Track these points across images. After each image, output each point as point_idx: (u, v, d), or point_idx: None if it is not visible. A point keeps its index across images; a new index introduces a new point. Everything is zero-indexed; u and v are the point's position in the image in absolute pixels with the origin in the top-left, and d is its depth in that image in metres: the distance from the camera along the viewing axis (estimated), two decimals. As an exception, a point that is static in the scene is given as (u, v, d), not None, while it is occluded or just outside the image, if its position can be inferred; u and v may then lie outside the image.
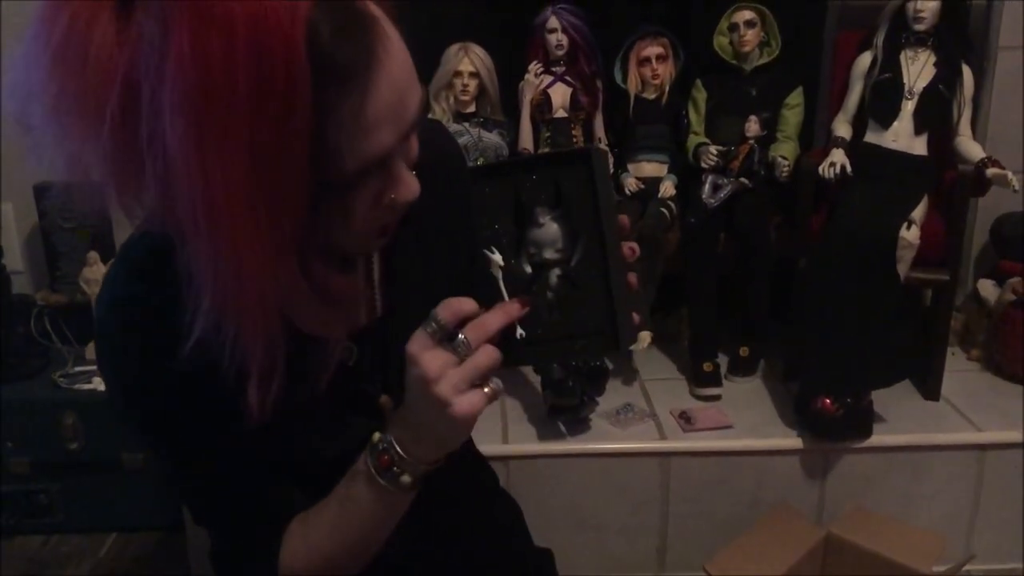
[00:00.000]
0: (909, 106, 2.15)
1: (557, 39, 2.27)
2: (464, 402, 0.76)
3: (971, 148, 2.14)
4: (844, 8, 2.43)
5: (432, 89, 2.26)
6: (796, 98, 2.28)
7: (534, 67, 2.30)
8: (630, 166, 2.33)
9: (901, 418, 2.11)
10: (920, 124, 2.15)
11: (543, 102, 2.29)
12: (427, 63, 2.26)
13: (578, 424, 2.10)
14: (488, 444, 2.01)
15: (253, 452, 0.85)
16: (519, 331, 0.81)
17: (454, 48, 2.27)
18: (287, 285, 0.69)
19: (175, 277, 0.67)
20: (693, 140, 2.29)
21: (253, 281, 0.65)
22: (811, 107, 2.35)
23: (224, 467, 0.86)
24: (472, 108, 2.29)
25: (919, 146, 2.15)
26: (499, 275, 0.82)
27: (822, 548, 1.87)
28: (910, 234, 2.01)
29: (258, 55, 0.59)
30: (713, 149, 2.23)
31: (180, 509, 2.06)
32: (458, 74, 2.25)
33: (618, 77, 2.34)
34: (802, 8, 2.44)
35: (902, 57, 2.17)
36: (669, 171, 2.31)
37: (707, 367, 2.23)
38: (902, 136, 2.16)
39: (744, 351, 2.30)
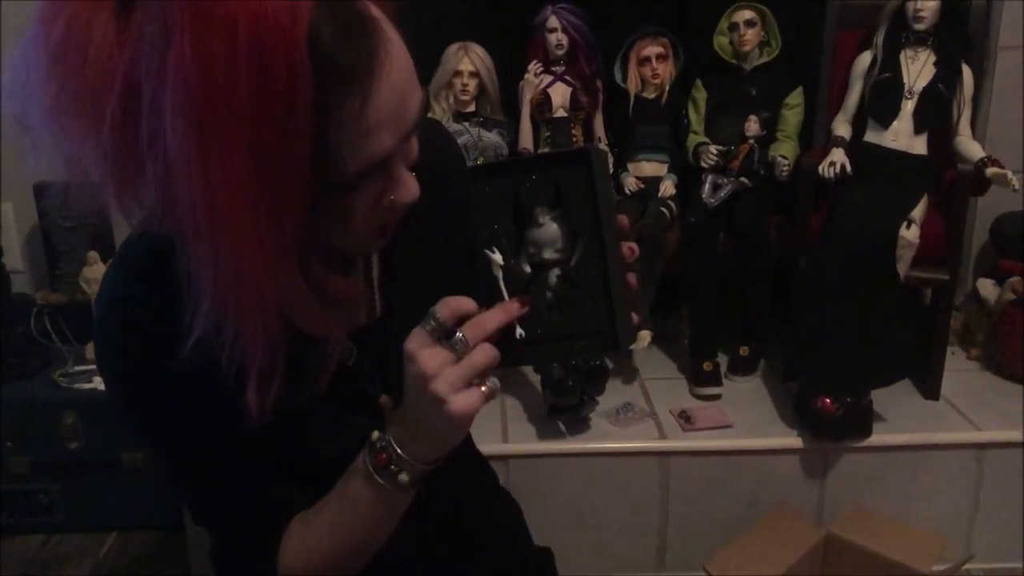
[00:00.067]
0: (909, 106, 2.15)
1: (557, 38, 2.27)
2: (461, 400, 0.76)
3: (971, 147, 2.14)
4: (844, 8, 2.43)
5: (432, 89, 2.26)
6: (796, 98, 2.28)
7: (534, 66, 2.30)
8: (630, 165, 2.33)
9: (901, 417, 2.11)
10: (920, 123, 2.15)
11: (543, 101, 2.29)
12: (427, 63, 2.26)
13: (578, 423, 2.10)
14: (488, 443, 2.01)
15: (253, 452, 0.85)
16: (518, 331, 0.81)
17: (454, 48, 2.27)
18: (287, 285, 0.69)
19: (174, 277, 0.67)
20: (693, 140, 2.29)
21: (253, 282, 0.65)
22: (811, 107, 2.35)
23: (224, 467, 0.86)
24: (472, 108, 2.29)
25: (919, 145, 2.15)
26: (499, 275, 0.82)
27: (822, 548, 1.87)
28: (910, 233, 2.01)
29: (259, 56, 0.59)
30: (713, 149, 2.23)
31: (180, 508, 2.06)
32: (458, 73, 2.25)
33: (618, 76, 2.34)
34: (802, 8, 2.44)
35: (902, 57, 2.17)
36: (669, 171, 2.31)
37: (707, 366, 2.23)
38: (902, 135, 2.16)
39: (744, 350, 2.31)
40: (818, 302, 2.03)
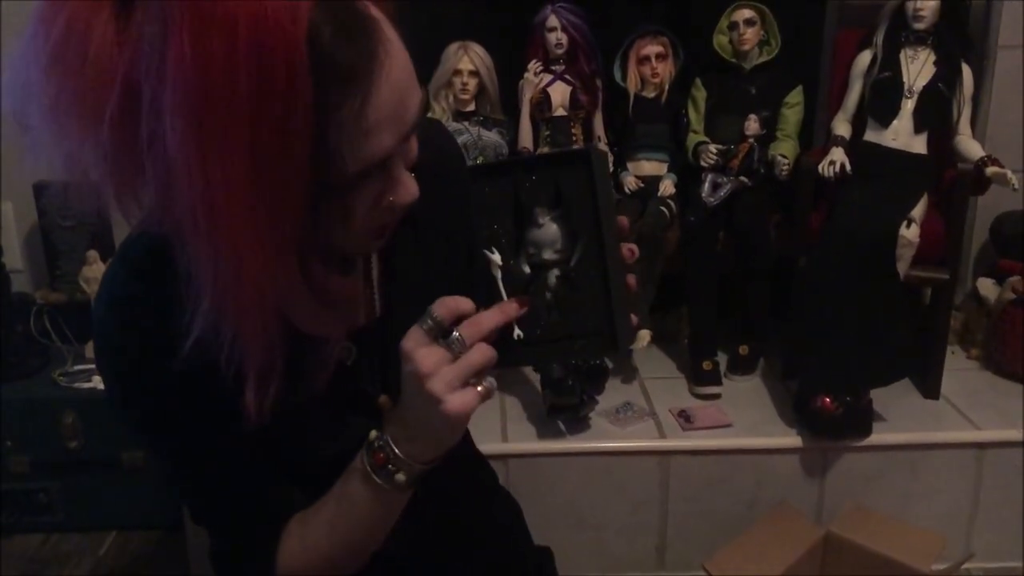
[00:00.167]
0: (909, 105, 2.15)
1: (557, 38, 2.27)
2: (456, 399, 0.76)
3: (970, 147, 2.14)
4: (844, 7, 2.43)
5: (432, 88, 2.26)
6: (796, 97, 2.28)
7: (534, 65, 2.30)
8: (630, 165, 2.33)
9: (900, 417, 2.11)
10: (920, 123, 2.15)
11: (543, 100, 2.29)
12: (427, 62, 2.26)
13: (577, 423, 2.10)
14: (487, 443, 2.01)
15: (252, 452, 0.85)
16: (516, 331, 0.81)
17: (453, 47, 2.27)
18: (286, 286, 0.69)
19: (174, 277, 0.67)
20: (693, 139, 2.29)
21: (252, 282, 0.65)
22: (811, 106, 2.35)
23: (223, 467, 0.86)
24: (472, 107, 2.29)
25: (919, 145, 2.15)
26: (498, 275, 0.82)
27: (821, 547, 1.87)
28: (910, 233, 2.01)
29: (259, 56, 0.59)
30: (713, 148, 2.23)
31: (180, 508, 2.06)
32: (458, 73, 2.25)
33: (618, 76, 2.34)
34: (802, 7, 2.44)
35: (902, 56, 2.17)
36: (669, 170, 2.31)
37: (707, 366, 2.23)
38: (902, 135, 2.16)
39: (744, 350, 2.31)
40: (818, 301, 2.03)
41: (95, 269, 2.27)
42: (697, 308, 2.27)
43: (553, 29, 2.26)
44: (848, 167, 2.12)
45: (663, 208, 2.21)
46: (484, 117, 2.29)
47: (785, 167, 2.18)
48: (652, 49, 2.30)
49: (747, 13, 2.23)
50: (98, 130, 0.63)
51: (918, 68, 2.16)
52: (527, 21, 2.32)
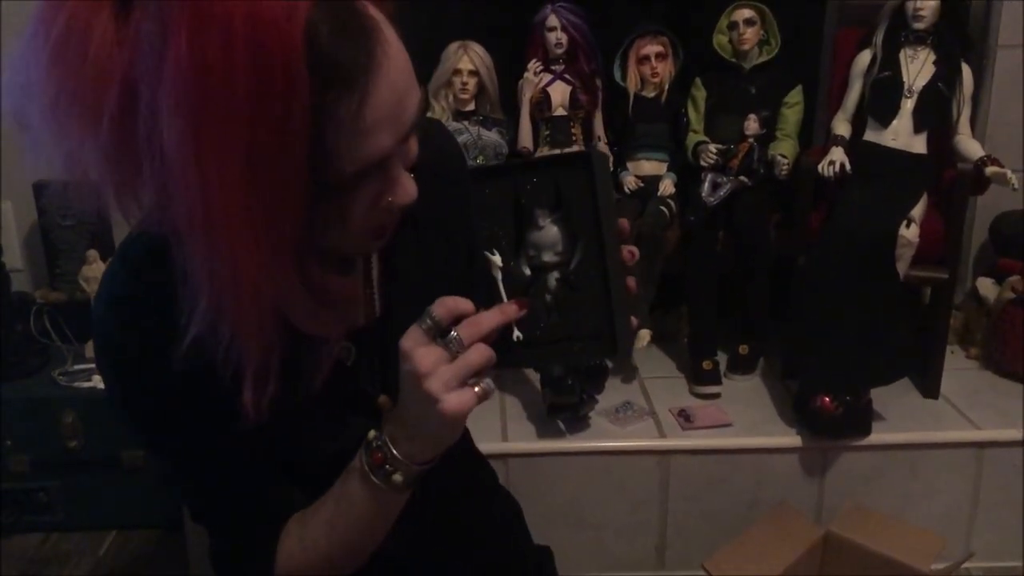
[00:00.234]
0: (908, 104, 2.15)
1: (556, 37, 2.27)
2: (454, 399, 0.76)
3: (970, 146, 2.14)
4: (843, 6, 2.43)
5: (431, 87, 2.26)
6: (795, 96, 2.28)
7: (533, 65, 2.30)
8: (629, 164, 2.33)
9: (900, 416, 2.11)
10: (919, 122, 2.15)
11: (542, 100, 2.29)
12: (426, 61, 2.26)
13: (577, 422, 2.10)
14: (487, 442, 2.00)
15: (252, 451, 0.85)
16: (516, 333, 0.81)
17: (453, 46, 2.27)
18: (283, 286, 0.69)
19: (173, 277, 0.67)
20: (692, 138, 2.29)
21: (250, 282, 0.65)
22: (810, 105, 2.35)
23: (223, 466, 0.86)
24: (471, 106, 2.29)
25: (918, 144, 2.15)
26: (499, 276, 0.82)
27: (821, 547, 1.87)
28: (909, 232, 2.01)
29: (257, 56, 0.59)
30: (712, 147, 2.23)
31: (179, 507, 2.06)
32: (457, 72, 2.25)
33: (617, 75, 2.34)
34: (801, 6, 2.44)
35: (901, 55, 2.17)
36: (668, 169, 2.31)
37: (706, 365, 2.23)
38: (901, 134, 2.16)
39: (743, 349, 2.31)
40: (817, 301, 2.03)
41: (95, 268, 2.27)
42: (697, 307, 2.28)
43: (553, 28, 2.26)
44: (848, 167, 2.12)
45: (663, 208, 2.21)
46: (484, 117, 2.30)
47: (785, 167, 2.18)
48: (652, 49, 2.30)
49: (747, 13, 2.23)
50: (97, 129, 0.63)
51: (918, 68, 2.16)
52: (527, 21, 2.32)
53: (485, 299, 0.81)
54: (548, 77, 2.30)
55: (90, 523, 2.29)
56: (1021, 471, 2.06)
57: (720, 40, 2.27)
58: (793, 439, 2.05)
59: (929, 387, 2.20)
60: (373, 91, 0.66)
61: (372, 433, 0.83)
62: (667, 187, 2.26)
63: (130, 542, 2.26)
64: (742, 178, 2.19)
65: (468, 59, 2.25)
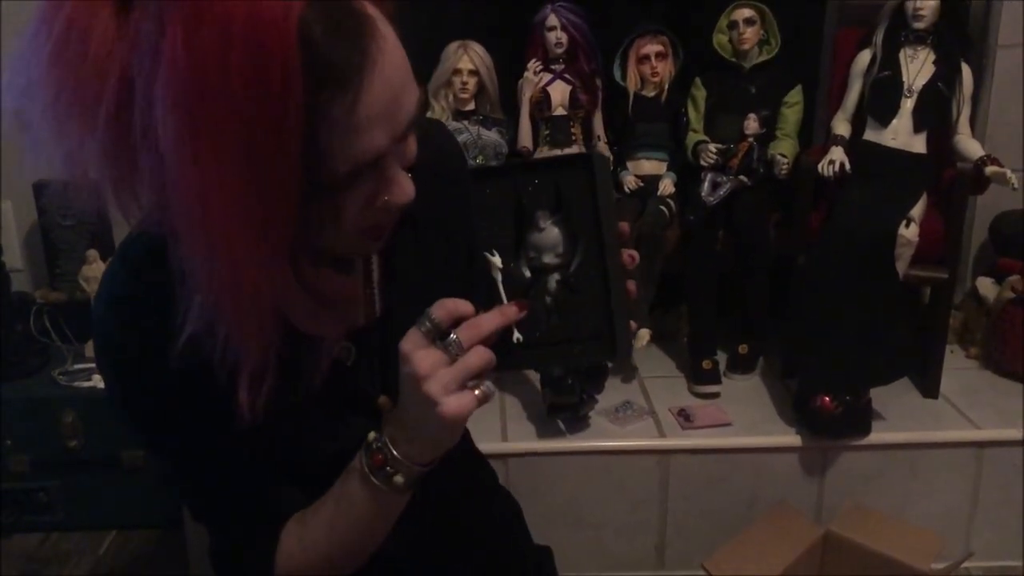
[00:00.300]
0: (908, 104, 2.15)
1: (556, 37, 2.27)
2: (453, 402, 0.75)
3: (970, 146, 2.14)
4: (843, 6, 2.43)
5: (431, 87, 2.26)
6: (795, 96, 2.28)
7: (533, 65, 2.30)
8: (629, 164, 2.33)
9: (900, 416, 2.11)
10: (919, 122, 2.15)
11: (542, 100, 2.29)
12: (426, 61, 2.26)
13: (577, 422, 2.10)
14: (487, 442, 2.00)
15: (252, 451, 0.85)
16: (516, 335, 0.80)
17: (453, 46, 2.27)
18: (281, 285, 0.69)
19: (173, 276, 0.67)
20: (692, 138, 2.29)
21: (247, 281, 0.65)
22: (810, 105, 2.35)
23: (223, 466, 0.86)
24: (471, 106, 2.29)
25: (918, 144, 2.15)
26: (498, 278, 0.81)
27: (821, 546, 1.87)
28: (909, 232, 2.01)
29: (253, 55, 0.59)
30: (712, 147, 2.23)
31: (179, 507, 2.06)
32: (457, 72, 2.25)
33: (617, 75, 2.34)
34: (801, 6, 2.44)
35: (901, 55, 2.17)
36: (668, 169, 2.31)
37: (706, 365, 2.23)
38: (901, 134, 2.16)
39: (743, 349, 2.31)
40: (817, 300, 2.03)
41: (95, 268, 2.27)
42: (697, 307, 2.28)
43: (553, 28, 2.26)
44: (847, 166, 2.12)
45: (663, 207, 2.21)
46: (484, 116, 2.30)
47: (785, 166, 2.18)
48: (652, 48, 2.30)
49: (747, 12, 2.23)
50: (95, 127, 0.63)
51: (918, 67, 2.16)
52: (527, 20, 2.32)
53: (485, 300, 0.81)
54: (548, 77, 2.30)
55: (90, 523, 2.29)
56: (1021, 471, 2.06)
57: (720, 40, 2.27)
58: (793, 439, 2.06)
59: (929, 387, 2.20)
60: (367, 89, 0.66)
61: (372, 434, 0.83)
62: (667, 186, 2.26)
63: (130, 542, 2.26)
64: (742, 178, 2.19)
65: (468, 59, 2.25)
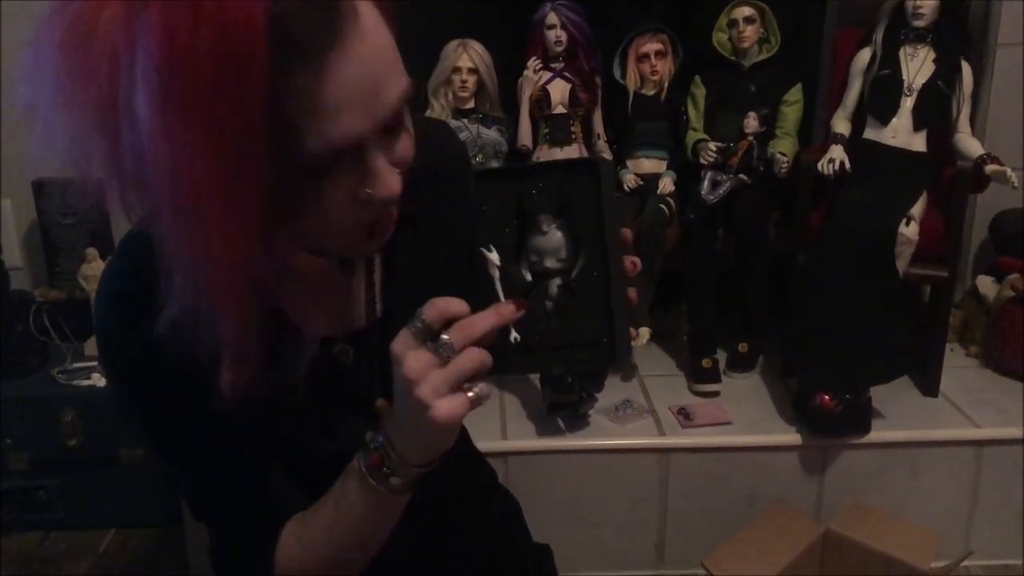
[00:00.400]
0: (908, 102, 2.15)
1: (556, 35, 2.27)
2: (445, 406, 0.73)
3: (970, 145, 2.14)
4: (843, 5, 2.43)
5: (431, 85, 2.26)
6: (795, 94, 2.28)
7: (533, 63, 2.30)
8: (629, 162, 2.33)
9: (900, 414, 2.11)
10: (919, 120, 2.15)
11: (542, 98, 2.29)
12: (426, 59, 2.26)
13: (577, 420, 2.10)
14: (487, 440, 2.00)
15: (253, 451, 0.85)
16: (513, 335, 0.79)
17: (453, 44, 2.27)
18: (256, 261, 0.68)
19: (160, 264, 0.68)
20: (692, 136, 2.29)
21: (219, 253, 0.65)
22: (810, 103, 2.35)
23: (223, 465, 0.86)
24: (471, 104, 2.29)
25: (918, 142, 2.15)
26: (496, 275, 0.80)
27: (820, 544, 1.87)
28: (909, 230, 2.01)
29: (220, 24, 0.60)
30: (712, 145, 2.23)
31: (179, 505, 2.06)
32: (457, 70, 2.25)
33: (617, 73, 2.34)
34: (801, 5, 2.44)
35: (901, 53, 2.17)
36: (668, 167, 2.31)
37: (706, 363, 2.24)
38: (901, 132, 2.16)
39: (743, 347, 2.31)
40: (817, 299, 2.03)
41: (94, 267, 2.27)
42: (696, 306, 2.28)
43: (552, 26, 2.26)
44: (847, 165, 2.12)
45: (662, 206, 2.21)
46: (483, 115, 2.29)
47: (784, 165, 2.18)
48: (651, 47, 2.30)
49: (747, 11, 2.23)
50: (91, 102, 0.63)
51: (917, 66, 2.16)
52: (526, 18, 2.32)
53: (486, 302, 0.81)
54: (548, 75, 2.30)
55: (89, 521, 2.29)
56: (1021, 469, 2.06)
57: (720, 38, 2.27)
58: (793, 437, 2.06)
59: (929, 385, 2.20)
60: (336, 69, 0.65)
61: (369, 435, 0.82)
62: (667, 185, 2.26)
63: (129, 540, 2.26)
64: (742, 176, 2.19)
65: (467, 57, 2.25)
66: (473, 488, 1.12)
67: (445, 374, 0.73)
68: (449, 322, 0.75)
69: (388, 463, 0.80)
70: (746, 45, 2.24)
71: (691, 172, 2.27)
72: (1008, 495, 2.08)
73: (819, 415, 1.98)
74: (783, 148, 2.21)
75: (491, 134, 2.27)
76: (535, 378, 2.19)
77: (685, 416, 2.12)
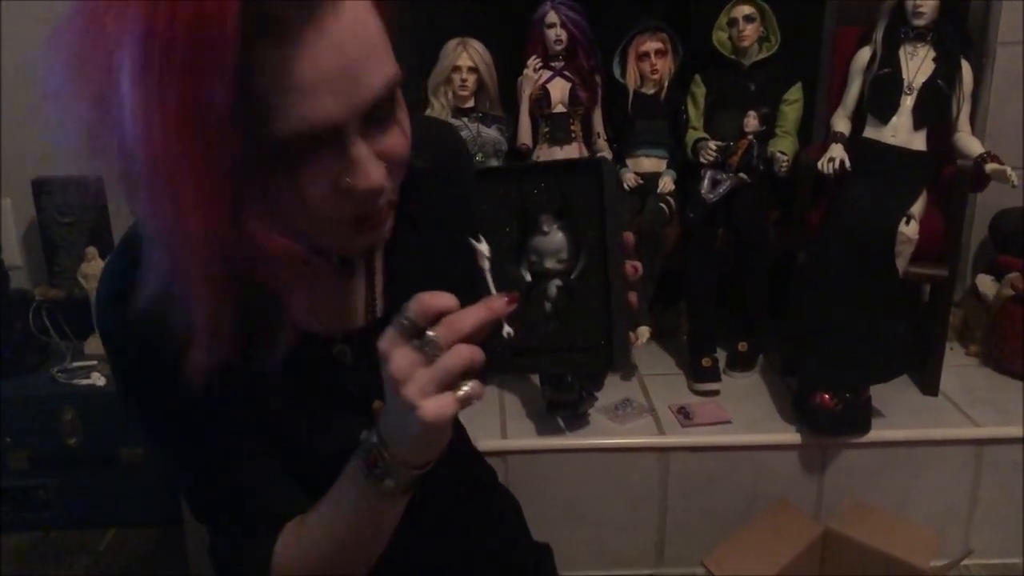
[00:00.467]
0: (908, 101, 2.15)
1: (556, 34, 2.26)
2: (431, 406, 0.70)
3: (970, 143, 2.14)
4: (843, 3, 2.43)
5: (431, 84, 2.26)
6: (795, 93, 2.28)
7: (533, 62, 2.30)
8: (629, 161, 2.33)
9: (900, 413, 2.11)
10: (919, 119, 2.15)
11: (542, 97, 2.29)
12: (426, 58, 2.26)
13: (577, 419, 2.10)
14: (487, 439, 2.01)
15: (252, 450, 0.84)
16: (506, 330, 0.75)
17: (453, 43, 2.26)
18: (225, 242, 0.67)
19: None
20: (692, 135, 2.29)
21: (190, 229, 0.65)
22: (810, 102, 2.35)
23: (223, 464, 0.86)
24: (471, 103, 2.28)
25: (918, 141, 2.15)
26: (486, 266, 0.77)
27: (820, 543, 1.88)
28: (909, 229, 2.01)
29: None
30: (712, 144, 2.23)
31: (179, 505, 2.05)
32: (457, 69, 2.25)
33: (617, 72, 2.34)
34: (801, 3, 2.44)
35: (901, 52, 2.17)
36: (668, 166, 2.31)
37: (706, 362, 2.24)
38: (901, 131, 2.15)
39: (743, 346, 2.31)
40: (817, 298, 2.03)
41: (94, 265, 2.27)
42: (696, 305, 2.28)
43: (552, 25, 2.26)
44: (847, 164, 2.12)
45: (662, 205, 2.21)
46: (483, 113, 2.29)
47: (784, 164, 2.18)
48: (651, 45, 2.29)
49: (747, 9, 2.23)
50: (100, 96, 0.64)
51: (917, 64, 2.15)
52: (526, 17, 2.31)
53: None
54: (547, 74, 2.30)
55: (89, 520, 2.29)
56: (1020, 468, 2.06)
57: (720, 37, 2.27)
58: (792, 436, 2.05)
59: (928, 384, 2.20)
60: (309, 48, 0.65)
61: (364, 435, 0.80)
62: (667, 184, 2.26)
63: (129, 539, 2.26)
64: (741, 175, 2.19)
65: (467, 56, 2.25)
66: (472, 487, 1.12)
67: (431, 373, 0.70)
68: (439, 317, 0.72)
69: (382, 464, 0.77)
70: (746, 44, 2.24)
71: (691, 171, 2.27)
72: (1008, 494, 2.08)
73: (819, 414, 1.98)
74: (783, 147, 2.21)
75: (491, 133, 2.27)
76: (535, 377, 2.19)
77: (685, 415, 2.12)
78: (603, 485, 2.05)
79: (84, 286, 2.28)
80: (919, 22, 2.14)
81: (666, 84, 2.31)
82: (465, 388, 0.71)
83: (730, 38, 2.26)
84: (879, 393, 2.07)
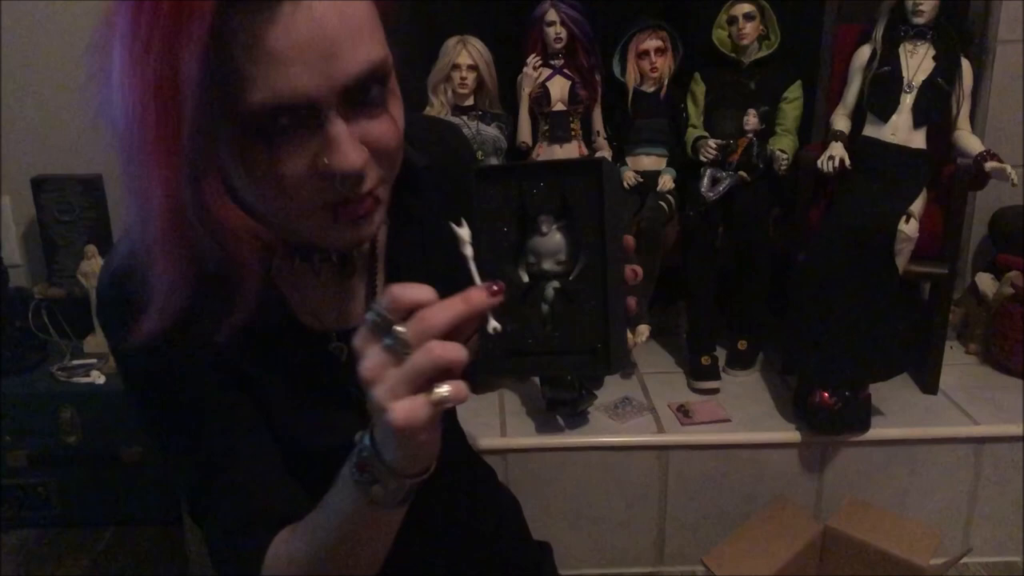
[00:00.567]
0: (908, 99, 2.15)
1: (556, 32, 2.26)
2: (400, 410, 0.63)
3: (970, 142, 2.14)
4: (843, 1, 2.43)
5: (430, 82, 2.26)
6: (795, 91, 2.28)
7: (532, 60, 2.30)
8: (628, 159, 2.33)
9: (899, 411, 2.11)
10: (919, 117, 2.14)
11: (541, 95, 2.29)
12: (425, 56, 2.25)
13: (576, 417, 2.10)
14: (486, 438, 2.02)
15: (251, 448, 0.84)
16: (492, 324, 0.70)
17: (452, 41, 2.26)
18: (180, 198, 0.68)
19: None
20: (691, 133, 2.29)
21: (156, 192, 0.67)
22: (810, 100, 2.35)
23: (223, 461, 0.86)
24: (470, 101, 2.28)
25: (918, 139, 2.15)
26: (469, 253, 0.72)
27: (820, 541, 1.88)
28: (909, 227, 2.01)
29: None
30: (712, 143, 2.22)
31: (178, 503, 2.06)
32: (456, 67, 2.24)
33: (617, 70, 2.34)
34: (801, 1, 2.43)
35: (901, 50, 2.17)
36: (668, 164, 2.31)
37: (705, 360, 2.24)
38: (901, 129, 2.15)
39: (742, 344, 2.31)
40: (817, 296, 2.03)
41: (93, 264, 2.27)
42: (696, 303, 2.28)
43: (552, 23, 2.26)
44: (847, 162, 2.12)
45: (662, 203, 2.21)
46: (483, 112, 2.29)
47: (784, 162, 2.18)
48: (651, 43, 2.29)
49: (746, 7, 2.23)
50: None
51: (917, 63, 2.15)
52: (526, 15, 2.31)
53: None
54: (547, 72, 2.30)
55: (88, 519, 2.29)
56: (1020, 466, 2.06)
57: (719, 35, 2.27)
58: (792, 434, 2.06)
59: (928, 382, 2.20)
60: (284, 19, 0.65)
61: (357, 436, 0.76)
62: (666, 182, 2.26)
63: (128, 538, 2.26)
64: (741, 173, 2.19)
65: (467, 54, 2.25)
66: (472, 486, 1.12)
67: (400, 374, 0.64)
68: (413, 312, 0.65)
69: (371, 469, 0.72)
70: (746, 42, 2.24)
71: (691, 169, 2.27)
72: (1007, 492, 2.08)
73: (819, 412, 1.98)
74: (783, 145, 2.21)
75: (491, 131, 2.27)
76: (534, 375, 2.19)
77: (684, 413, 2.12)
78: (603, 483, 2.06)
79: (84, 284, 2.28)
80: (919, 20, 2.14)
81: (666, 82, 2.31)
82: (440, 390, 0.64)
83: (730, 36, 2.26)
84: (879, 391, 2.07)
